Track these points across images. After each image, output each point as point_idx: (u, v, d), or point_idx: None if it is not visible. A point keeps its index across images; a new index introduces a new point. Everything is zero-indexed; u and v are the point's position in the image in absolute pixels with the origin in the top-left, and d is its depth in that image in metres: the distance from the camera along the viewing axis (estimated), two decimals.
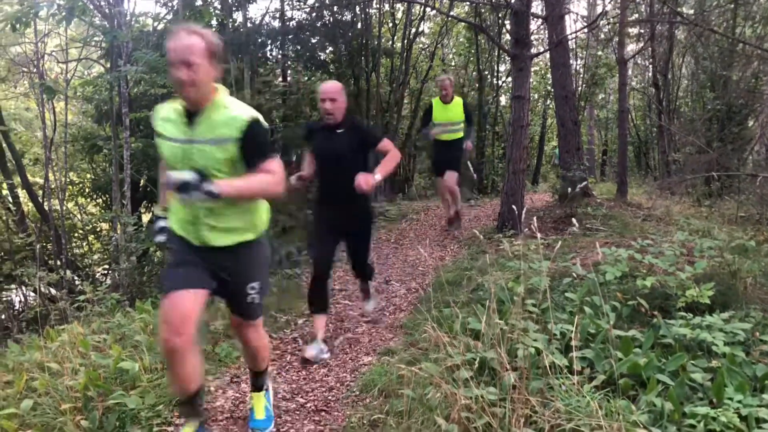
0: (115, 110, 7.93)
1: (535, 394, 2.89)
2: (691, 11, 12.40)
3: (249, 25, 12.45)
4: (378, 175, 3.98)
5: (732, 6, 12.14)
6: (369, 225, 4.55)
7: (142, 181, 11.13)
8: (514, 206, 7.44)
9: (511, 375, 3.07)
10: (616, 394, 2.98)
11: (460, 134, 7.89)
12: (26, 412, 3.09)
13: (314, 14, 14.02)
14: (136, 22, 9.29)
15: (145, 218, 11.74)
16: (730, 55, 12.24)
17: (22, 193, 11.91)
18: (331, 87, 4.21)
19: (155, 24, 10.56)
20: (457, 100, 7.96)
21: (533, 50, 10.13)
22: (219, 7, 12.37)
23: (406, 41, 16.24)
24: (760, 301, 4.30)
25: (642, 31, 13.86)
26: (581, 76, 18.18)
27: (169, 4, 12.18)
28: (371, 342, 4.53)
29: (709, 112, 12.12)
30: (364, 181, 3.85)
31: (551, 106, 20.17)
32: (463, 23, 16.51)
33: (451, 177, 7.89)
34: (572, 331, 3.45)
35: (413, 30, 16.55)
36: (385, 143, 4.28)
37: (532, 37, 11.24)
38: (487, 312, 3.77)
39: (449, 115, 7.85)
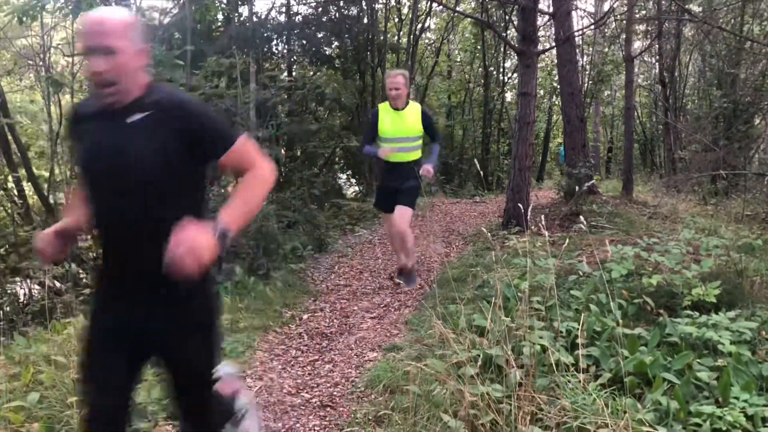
0: None
1: (540, 391, 2.89)
2: (699, 9, 12.33)
3: (255, 19, 12.43)
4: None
5: (740, 3, 12.08)
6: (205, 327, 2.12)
7: None
8: (519, 203, 7.43)
9: (517, 372, 3.07)
10: (622, 392, 2.97)
11: (418, 154, 5.63)
12: (33, 405, 3.10)
13: (320, 9, 14.01)
14: (143, 16, 9.28)
15: None
16: (738, 53, 12.18)
17: (27, 186, 11.92)
18: None
19: (162, 18, 10.56)
20: (414, 107, 5.63)
21: (540, 47, 10.08)
22: (225, 1, 12.37)
23: (412, 37, 16.21)
24: (767, 300, 4.29)
25: (649, 28, 13.81)
26: (587, 72, 18.13)
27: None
28: (376, 338, 4.53)
29: (716, 110, 12.08)
30: None
31: (557, 102, 20.15)
32: (469, 19, 16.46)
33: (402, 215, 5.50)
34: (578, 329, 3.44)
35: (419, 25, 16.52)
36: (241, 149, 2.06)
37: (539, 34, 11.19)
38: (493, 309, 3.77)
39: (402, 127, 5.53)
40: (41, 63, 11.41)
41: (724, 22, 11.85)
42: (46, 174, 12.69)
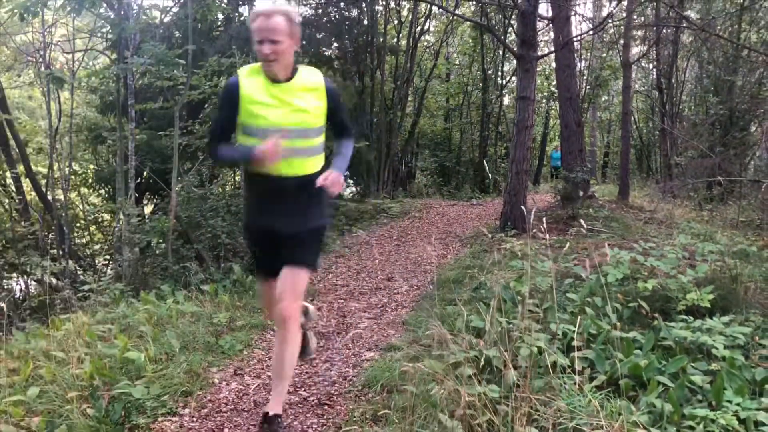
0: (121, 102, 7.95)
1: (537, 392, 2.92)
2: (697, 16, 12.40)
3: None
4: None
5: (737, 11, 12.16)
6: None
7: (144, 173, 11.17)
8: (517, 206, 7.48)
9: (514, 373, 3.11)
10: (617, 394, 3.01)
11: (318, 162, 3.01)
12: (32, 400, 3.12)
13: (320, 10, 14.05)
14: (144, 14, 9.31)
15: (147, 210, 11.78)
16: (735, 61, 12.26)
17: (25, 183, 11.93)
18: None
19: (162, 16, 10.58)
20: (309, 77, 2.93)
21: (539, 51, 10.14)
22: (225, 1, 12.39)
23: (411, 39, 16.26)
24: (761, 305, 4.33)
25: (647, 34, 13.88)
26: (585, 77, 18.19)
27: None
28: (374, 338, 4.56)
29: (713, 117, 12.15)
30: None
31: (554, 107, 20.23)
32: (468, 22, 16.51)
33: (292, 287, 2.97)
34: (574, 331, 3.48)
35: (419, 28, 16.57)
36: None
37: (538, 38, 11.24)
38: (490, 310, 3.81)
39: (288, 114, 2.86)
40: (41, 59, 11.40)
41: (722, 29, 11.93)
42: (45, 170, 12.70)
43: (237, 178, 13.46)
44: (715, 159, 8.91)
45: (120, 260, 6.96)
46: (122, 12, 7.51)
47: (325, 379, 3.81)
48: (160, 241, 6.82)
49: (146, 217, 8.15)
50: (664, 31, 12.49)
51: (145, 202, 13.02)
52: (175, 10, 11.48)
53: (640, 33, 14.33)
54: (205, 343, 4.29)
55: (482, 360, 3.35)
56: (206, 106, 9.13)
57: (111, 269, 9.75)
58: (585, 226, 6.08)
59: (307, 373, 3.93)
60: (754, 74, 11.51)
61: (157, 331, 4.28)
